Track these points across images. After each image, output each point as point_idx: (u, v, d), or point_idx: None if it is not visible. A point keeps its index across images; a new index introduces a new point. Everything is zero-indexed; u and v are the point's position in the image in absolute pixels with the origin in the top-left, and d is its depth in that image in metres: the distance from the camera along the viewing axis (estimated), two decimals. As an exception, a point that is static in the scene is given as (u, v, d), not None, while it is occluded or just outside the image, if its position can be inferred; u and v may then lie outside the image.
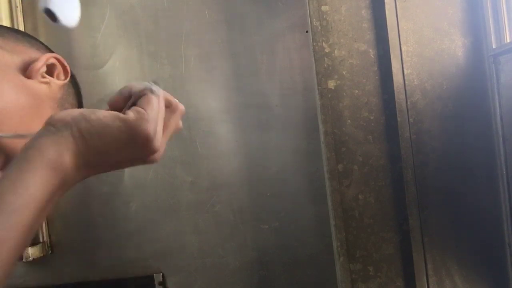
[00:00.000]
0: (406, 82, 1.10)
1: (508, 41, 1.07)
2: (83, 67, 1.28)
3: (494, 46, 1.08)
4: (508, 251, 1.10)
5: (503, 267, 1.11)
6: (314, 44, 1.09)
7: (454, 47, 1.11)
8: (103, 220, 1.28)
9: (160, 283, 1.26)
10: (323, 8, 1.10)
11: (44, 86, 0.54)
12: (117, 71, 1.28)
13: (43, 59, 0.53)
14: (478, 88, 1.10)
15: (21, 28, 1.27)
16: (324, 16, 1.10)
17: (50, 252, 1.27)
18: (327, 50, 1.11)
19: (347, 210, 1.10)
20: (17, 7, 1.25)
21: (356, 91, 1.11)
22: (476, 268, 1.11)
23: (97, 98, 1.27)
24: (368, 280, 1.10)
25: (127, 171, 1.28)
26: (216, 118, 1.27)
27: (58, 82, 0.55)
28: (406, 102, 1.09)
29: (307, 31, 1.22)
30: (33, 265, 1.27)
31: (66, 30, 1.29)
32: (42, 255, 1.24)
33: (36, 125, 0.48)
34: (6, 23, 1.23)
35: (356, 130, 1.11)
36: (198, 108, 1.27)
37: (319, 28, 1.10)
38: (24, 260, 1.19)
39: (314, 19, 1.09)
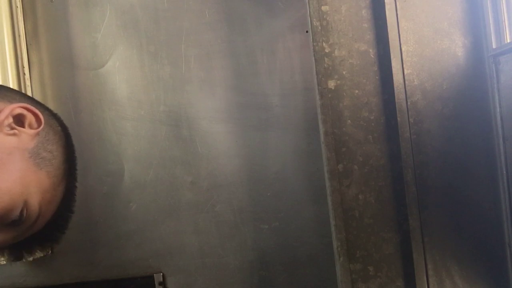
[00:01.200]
0: (406, 82, 1.10)
1: (508, 41, 1.07)
2: (83, 67, 1.28)
3: (494, 46, 1.08)
4: (508, 251, 1.10)
5: (503, 267, 1.11)
6: (314, 44, 1.09)
7: (454, 47, 1.11)
8: (103, 220, 1.28)
9: (160, 283, 1.26)
10: (323, 8, 1.10)
11: (12, 138, 0.52)
12: (117, 71, 1.28)
13: (7, 111, 0.52)
14: (478, 88, 1.10)
15: (21, 28, 1.27)
16: (324, 16, 1.10)
17: (50, 252, 1.27)
18: (327, 50, 1.11)
19: (347, 210, 1.10)
20: (17, 7, 1.25)
21: (356, 91, 1.10)
22: (476, 268, 1.11)
23: (97, 98, 1.27)
24: (368, 280, 1.10)
25: (127, 171, 1.28)
26: (216, 118, 1.27)
27: (29, 131, 0.53)
28: (406, 102, 1.09)
29: (307, 31, 1.22)
30: (33, 265, 1.27)
31: (66, 31, 1.29)
32: (42, 255, 1.24)
33: (4, 180, 0.47)
34: (6, 23, 1.23)
35: (356, 130, 1.11)
36: (198, 108, 1.27)
37: (319, 28, 1.10)
38: (24, 260, 1.19)
39: (314, 19, 1.09)
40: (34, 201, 0.51)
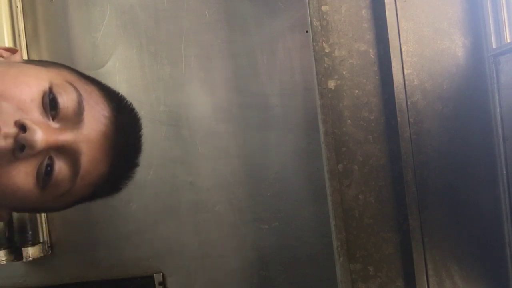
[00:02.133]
0: (406, 82, 1.09)
1: (508, 41, 1.07)
2: (83, 67, 1.28)
3: (494, 46, 1.08)
4: (508, 251, 1.10)
5: (503, 267, 1.11)
6: (314, 44, 1.09)
7: (454, 47, 1.11)
8: (103, 220, 1.28)
9: (160, 283, 1.26)
10: (323, 8, 1.10)
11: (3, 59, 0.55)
12: (117, 71, 1.28)
13: None
14: (478, 88, 1.10)
15: (21, 28, 1.27)
16: (324, 16, 1.10)
17: (50, 252, 1.27)
18: (327, 50, 1.11)
19: (347, 210, 1.10)
20: (17, 7, 1.25)
21: (356, 91, 1.10)
22: (476, 268, 1.11)
23: (97, 98, 1.27)
24: (368, 280, 1.10)
25: (127, 171, 1.28)
26: (216, 118, 1.27)
27: (8, 54, 0.56)
28: (406, 102, 1.09)
29: (307, 31, 1.22)
30: (33, 265, 1.27)
31: (66, 31, 1.29)
32: (42, 255, 1.24)
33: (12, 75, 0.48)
34: (6, 23, 1.23)
35: (356, 130, 1.10)
36: (198, 108, 1.27)
37: (319, 28, 1.10)
38: (24, 260, 1.19)
39: (314, 19, 1.09)
40: (58, 80, 0.50)
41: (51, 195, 0.50)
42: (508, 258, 1.10)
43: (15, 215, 1.21)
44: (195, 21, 1.27)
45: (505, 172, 1.08)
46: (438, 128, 1.10)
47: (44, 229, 1.26)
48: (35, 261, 1.23)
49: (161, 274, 1.27)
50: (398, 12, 1.09)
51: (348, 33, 1.11)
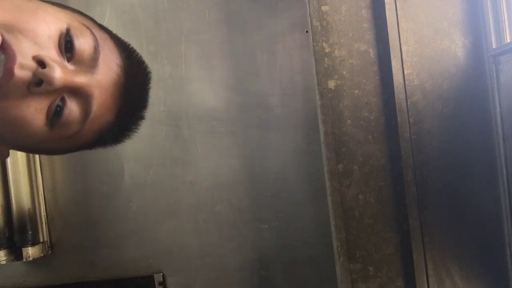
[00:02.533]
0: (406, 82, 1.09)
1: (508, 41, 1.07)
2: (83, 67, 1.28)
3: (494, 46, 1.08)
4: (508, 251, 1.10)
5: (503, 267, 1.11)
6: (314, 44, 1.09)
7: (454, 47, 1.11)
8: (103, 220, 1.28)
9: (160, 283, 1.26)
10: (323, 8, 1.10)
11: None
12: (117, 71, 1.28)
13: None
14: (478, 88, 1.10)
15: (21, 28, 1.26)
16: (324, 16, 1.10)
17: (50, 252, 1.27)
18: (327, 50, 1.11)
19: (347, 210, 1.10)
20: (17, 7, 1.25)
21: (356, 91, 1.10)
22: (476, 268, 1.11)
23: (97, 98, 1.27)
24: (368, 280, 1.10)
25: (127, 171, 1.28)
26: (216, 118, 1.27)
27: None
28: (406, 102, 1.09)
29: (307, 31, 1.22)
30: (33, 265, 1.27)
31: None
32: (42, 255, 1.24)
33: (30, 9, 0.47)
34: (6, 23, 1.23)
35: (356, 130, 1.10)
36: (198, 108, 1.27)
37: (319, 28, 1.10)
38: (24, 260, 1.19)
39: (314, 19, 1.09)
40: (75, 23, 0.50)
41: (58, 136, 0.50)
42: (508, 258, 1.10)
43: (15, 214, 1.21)
44: (195, 21, 1.27)
45: (505, 172, 1.08)
46: (438, 128, 1.10)
47: (44, 229, 1.26)
48: (35, 261, 1.23)
49: (161, 274, 1.27)
50: (398, 12, 1.09)
51: (348, 33, 1.11)
